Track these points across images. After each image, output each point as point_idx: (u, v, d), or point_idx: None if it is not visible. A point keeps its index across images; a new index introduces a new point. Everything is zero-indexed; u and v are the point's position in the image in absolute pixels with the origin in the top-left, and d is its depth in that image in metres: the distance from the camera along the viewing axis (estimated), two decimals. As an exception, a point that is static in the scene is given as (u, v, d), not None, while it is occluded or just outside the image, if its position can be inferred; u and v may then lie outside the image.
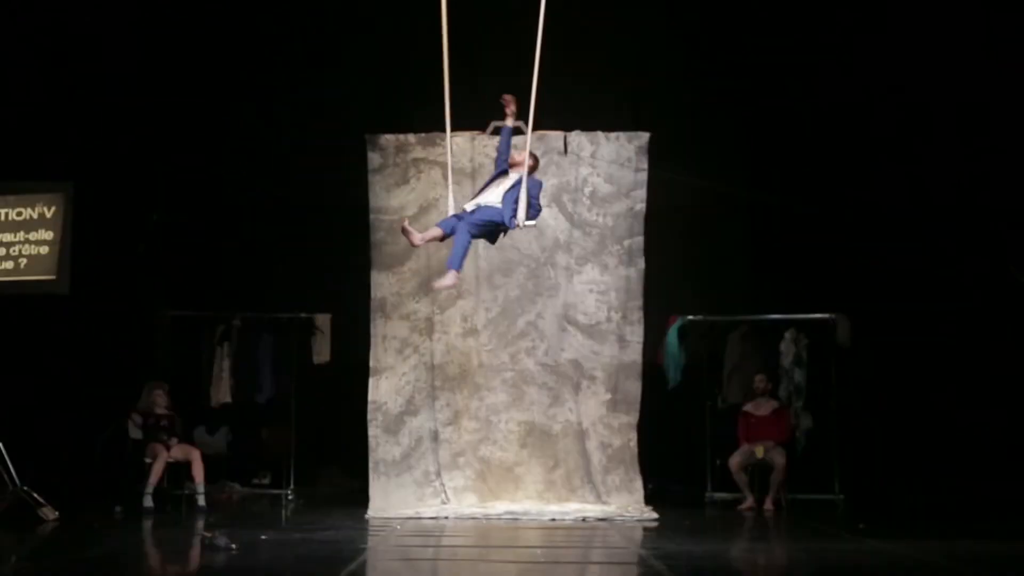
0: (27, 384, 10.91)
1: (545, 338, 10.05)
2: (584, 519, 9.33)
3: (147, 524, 9.09)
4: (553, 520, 9.30)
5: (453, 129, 7.82)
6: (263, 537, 7.72)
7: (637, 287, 10.13)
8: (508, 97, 7.91)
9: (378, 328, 10.15)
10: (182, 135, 11.37)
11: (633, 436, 10.01)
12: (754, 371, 11.02)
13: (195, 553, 7.31)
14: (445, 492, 9.87)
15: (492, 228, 7.71)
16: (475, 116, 9.37)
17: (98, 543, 7.74)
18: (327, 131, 11.09)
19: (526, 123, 7.61)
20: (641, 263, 10.16)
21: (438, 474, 9.93)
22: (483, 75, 9.23)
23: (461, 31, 7.58)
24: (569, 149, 10.17)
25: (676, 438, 11.13)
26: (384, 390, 10.08)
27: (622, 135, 10.26)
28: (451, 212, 7.76)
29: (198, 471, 10.27)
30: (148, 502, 9.93)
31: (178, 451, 10.42)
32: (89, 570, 6.63)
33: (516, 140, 10.09)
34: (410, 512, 9.51)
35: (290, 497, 11.25)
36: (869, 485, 10.94)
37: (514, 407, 10.02)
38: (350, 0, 10.90)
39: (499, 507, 9.66)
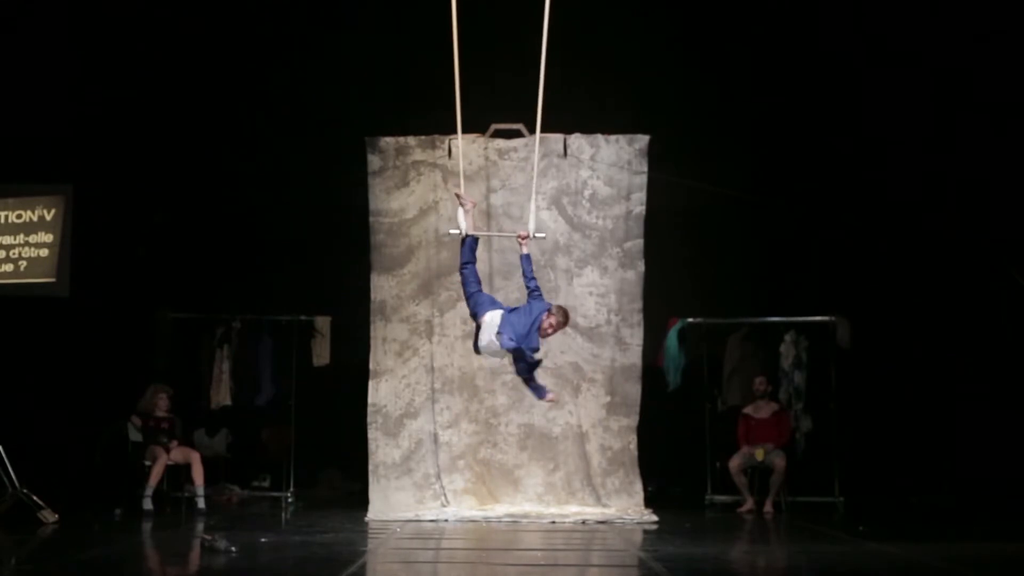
0: (27, 386, 10.90)
1: (545, 341, 10.01)
2: (584, 522, 9.33)
3: (147, 527, 9.10)
4: (553, 523, 9.30)
5: (453, 131, 7.79)
6: (263, 540, 7.73)
7: (637, 290, 10.13)
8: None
9: (378, 331, 10.15)
10: (182, 136, 11.36)
11: (633, 438, 10.01)
12: (754, 373, 11.01)
13: (195, 556, 7.31)
14: (445, 495, 9.86)
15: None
16: (475, 117, 9.35)
17: (97, 545, 7.75)
18: (327, 133, 11.09)
19: (526, 126, 7.58)
20: (641, 266, 10.15)
21: (438, 477, 9.92)
22: (484, 76, 9.22)
23: (460, 32, 7.56)
24: (569, 152, 10.16)
25: (676, 440, 11.13)
26: (384, 393, 10.08)
27: (622, 138, 10.26)
28: (463, 228, 7.75)
29: (198, 473, 10.27)
30: (148, 504, 9.94)
31: (178, 454, 10.42)
32: (88, 572, 6.63)
33: (516, 143, 10.20)
34: (410, 515, 9.51)
35: (290, 500, 11.24)
36: (869, 487, 10.93)
37: (514, 410, 10.02)
38: (351, 2, 10.89)
39: (499, 510, 9.67)
